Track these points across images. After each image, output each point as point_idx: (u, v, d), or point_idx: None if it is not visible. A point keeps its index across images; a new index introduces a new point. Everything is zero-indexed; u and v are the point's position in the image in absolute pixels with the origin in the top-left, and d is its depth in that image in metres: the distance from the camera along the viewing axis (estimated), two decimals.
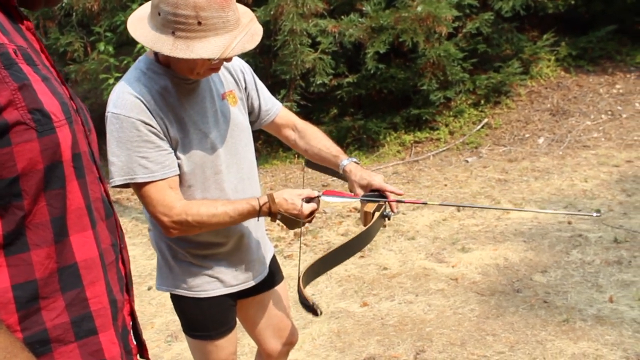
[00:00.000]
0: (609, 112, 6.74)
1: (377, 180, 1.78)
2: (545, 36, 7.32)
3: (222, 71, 1.77)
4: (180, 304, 1.84)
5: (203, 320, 1.83)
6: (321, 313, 1.59)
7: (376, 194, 1.77)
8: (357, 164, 1.88)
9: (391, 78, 6.84)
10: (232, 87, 1.80)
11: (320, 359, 2.97)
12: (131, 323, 1.11)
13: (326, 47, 6.47)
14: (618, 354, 2.73)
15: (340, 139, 6.79)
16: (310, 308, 1.57)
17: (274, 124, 1.95)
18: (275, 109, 1.93)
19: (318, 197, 1.72)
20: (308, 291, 1.76)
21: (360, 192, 1.80)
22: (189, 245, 1.76)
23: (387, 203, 1.77)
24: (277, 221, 1.69)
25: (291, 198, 1.66)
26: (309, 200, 1.69)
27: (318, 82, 6.49)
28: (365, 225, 1.73)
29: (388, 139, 6.91)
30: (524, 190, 5.14)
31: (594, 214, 1.64)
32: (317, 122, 6.96)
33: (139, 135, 1.55)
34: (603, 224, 4.19)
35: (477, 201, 4.95)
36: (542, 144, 6.45)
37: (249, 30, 1.53)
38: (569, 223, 4.27)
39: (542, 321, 3.08)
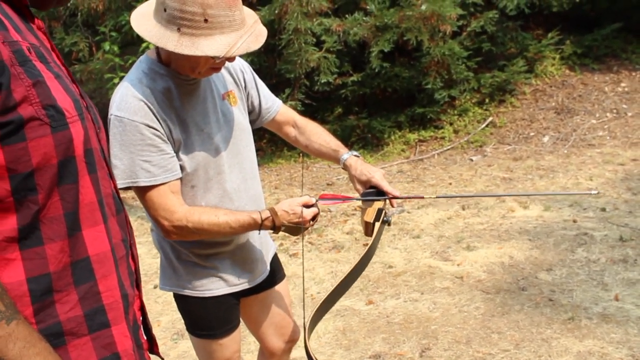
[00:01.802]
0: (614, 111, 6.72)
1: (377, 177, 1.78)
2: (550, 34, 7.31)
3: (222, 71, 1.77)
4: (184, 303, 1.85)
5: (207, 319, 1.83)
6: None
7: (374, 191, 1.76)
8: (358, 157, 1.88)
9: (395, 77, 6.84)
10: (232, 87, 1.80)
11: (326, 357, 2.97)
12: (141, 318, 1.12)
13: (330, 45, 6.47)
14: (624, 352, 2.73)
15: (344, 138, 6.80)
16: None
17: (274, 122, 1.96)
18: (275, 107, 1.94)
19: (316, 202, 1.72)
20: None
21: (360, 188, 1.81)
22: (193, 244, 1.76)
23: (385, 205, 1.75)
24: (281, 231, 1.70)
25: (291, 208, 1.67)
26: (309, 206, 1.70)
27: (322, 81, 6.49)
28: (366, 234, 1.72)
29: (392, 137, 6.91)
30: (528, 188, 5.13)
31: (593, 192, 1.65)
32: (321, 121, 6.96)
33: (142, 139, 1.55)
34: (608, 222, 4.18)
35: (482, 199, 4.95)
36: (547, 142, 6.44)
37: (253, 31, 1.54)
38: (574, 221, 4.26)
39: (547, 319, 3.08)
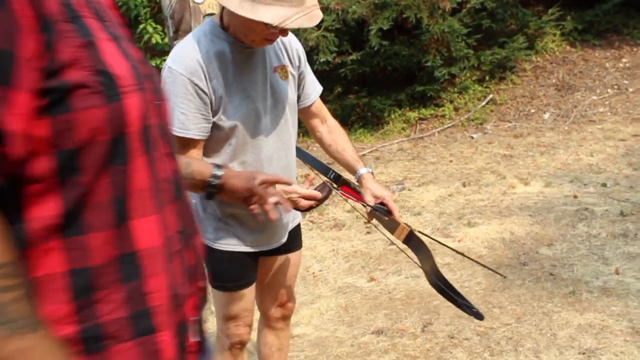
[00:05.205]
0: (615, 87, 6.69)
1: (388, 197, 1.95)
2: (550, 10, 7.25)
3: (280, 47, 1.88)
4: (209, 254, 1.94)
5: (222, 271, 1.94)
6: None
7: (384, 208, 1.95)
8: (372, 173, 2.03)
9: (395, 55, 6.81)
10: (286, 63, 1.90)
11: (329, 333, 3.00)
12: (196, 318, 0.97)
13: (329, 24, 6.43)
14: (624, 324, 2.75)
15: (344, 117, 6.78)
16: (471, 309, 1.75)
17: (308, 110, 2.06)
18: (315, 94, 2.05)
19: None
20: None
21: (370, 199, 1.95)
22: (219, 200, 1.84)
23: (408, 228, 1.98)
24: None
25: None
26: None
27: (322, 60, 6.46)
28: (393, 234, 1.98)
29: (393, 116, 6.89)
30: (529, 165, 5.13)
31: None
32: (321, 101, 6.93)
33: (185, 93, 1.70)
34: (609, 197, 4.19)
35: (483, 176, 4.95)
36: (547, 119, 6.42)
37: (310, 12, 1.64)
38: (575, 197, 4.27)
39: (548, 293, 3.10)
